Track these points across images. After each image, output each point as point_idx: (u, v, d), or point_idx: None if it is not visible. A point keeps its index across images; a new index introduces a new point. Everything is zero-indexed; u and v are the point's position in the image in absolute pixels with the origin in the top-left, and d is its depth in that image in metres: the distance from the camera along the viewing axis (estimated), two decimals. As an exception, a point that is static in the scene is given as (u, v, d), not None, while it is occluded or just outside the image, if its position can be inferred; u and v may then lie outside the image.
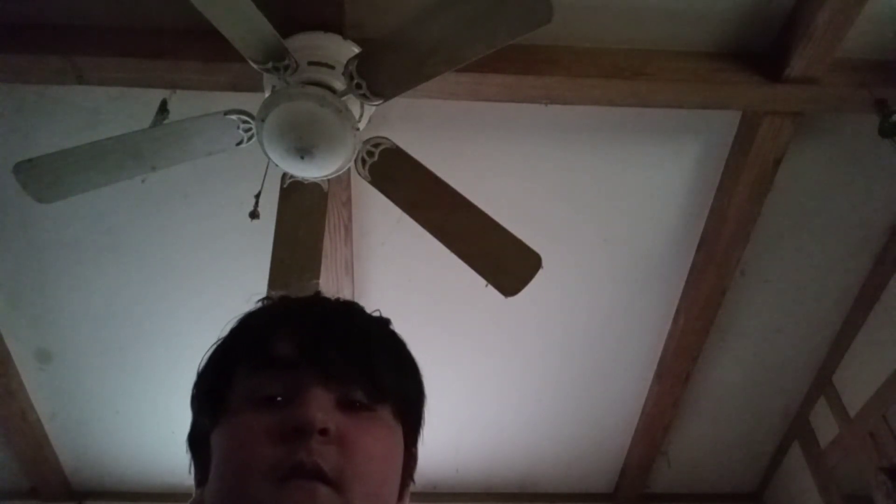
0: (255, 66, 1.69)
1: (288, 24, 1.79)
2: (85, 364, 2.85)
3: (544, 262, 1.89)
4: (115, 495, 3.26)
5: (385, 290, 2.64)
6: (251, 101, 1.80)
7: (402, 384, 0.71)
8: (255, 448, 0.60)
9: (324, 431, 0.61)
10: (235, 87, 1.97)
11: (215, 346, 0.72)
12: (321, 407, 0.62)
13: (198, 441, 0.70)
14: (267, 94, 1.79)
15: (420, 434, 0.74)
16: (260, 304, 0.75)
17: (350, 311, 0.73)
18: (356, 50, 1.82)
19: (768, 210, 2.37)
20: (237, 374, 0.67)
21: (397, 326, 0.76)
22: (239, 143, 1.82)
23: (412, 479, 0.73)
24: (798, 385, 3.01)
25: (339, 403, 0.64)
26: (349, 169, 1.84)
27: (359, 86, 1.68)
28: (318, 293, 0.78)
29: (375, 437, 0.65)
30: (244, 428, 0.63)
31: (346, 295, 2.52)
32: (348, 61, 1.67)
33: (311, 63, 1.76)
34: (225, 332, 0.73)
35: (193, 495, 0.69)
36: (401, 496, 0.69)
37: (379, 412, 0.67)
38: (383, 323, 0.75)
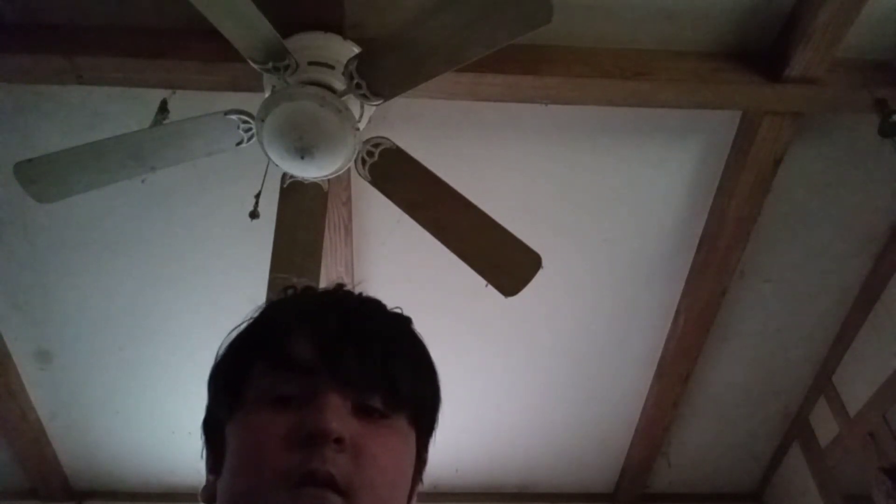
0: (255, 66, 1.69)
1: (288, 24, 1.79)
2: (85, 364, 2.85)
3: (544, 262, 1.89)
4: (115, 495, 3.26)
5: (385, 290, 2.63)
6: (251, 101, 1.80)
7: (420, 391, 0.70)
8: (269, 452, 0.61)
9: (339, 440, 0.61)
10: (235, 87, 1.97)
11: (236, 335, 0.72)
12: (337, 415, 0.62)
13: (212, 429, 0.70)
14: (267, 94, 1.79)
15: (432, 438, 0.74)
16: (282, 296, 0.75)
17: (371, 312, 0.73)
18: (356, 50, 1.82)
19: (768, 210, 2.37)
20: (254, 370, 0.67)
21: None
22: (239, 143, 1.82)
23: (421, 480, 0.73)
24: (798, 385, 3.01)
25: (355, 409, 0.64)
26: (349, 169, 1.84)
27: (359, 86, 1.68)
28: (339, 286, 0.77)
29: (388, 446, 0.65)
30: (259, 429, 0.63)
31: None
32: (348, 61, 1.67)
33: (311, 63, 1.76)
34: (244, 320, 0.73)
35: (205, 481, 0.69)
36: (409, 498, 0.70)
37: (394, 419, 0.67)
38: (404, 324, 0.74)
